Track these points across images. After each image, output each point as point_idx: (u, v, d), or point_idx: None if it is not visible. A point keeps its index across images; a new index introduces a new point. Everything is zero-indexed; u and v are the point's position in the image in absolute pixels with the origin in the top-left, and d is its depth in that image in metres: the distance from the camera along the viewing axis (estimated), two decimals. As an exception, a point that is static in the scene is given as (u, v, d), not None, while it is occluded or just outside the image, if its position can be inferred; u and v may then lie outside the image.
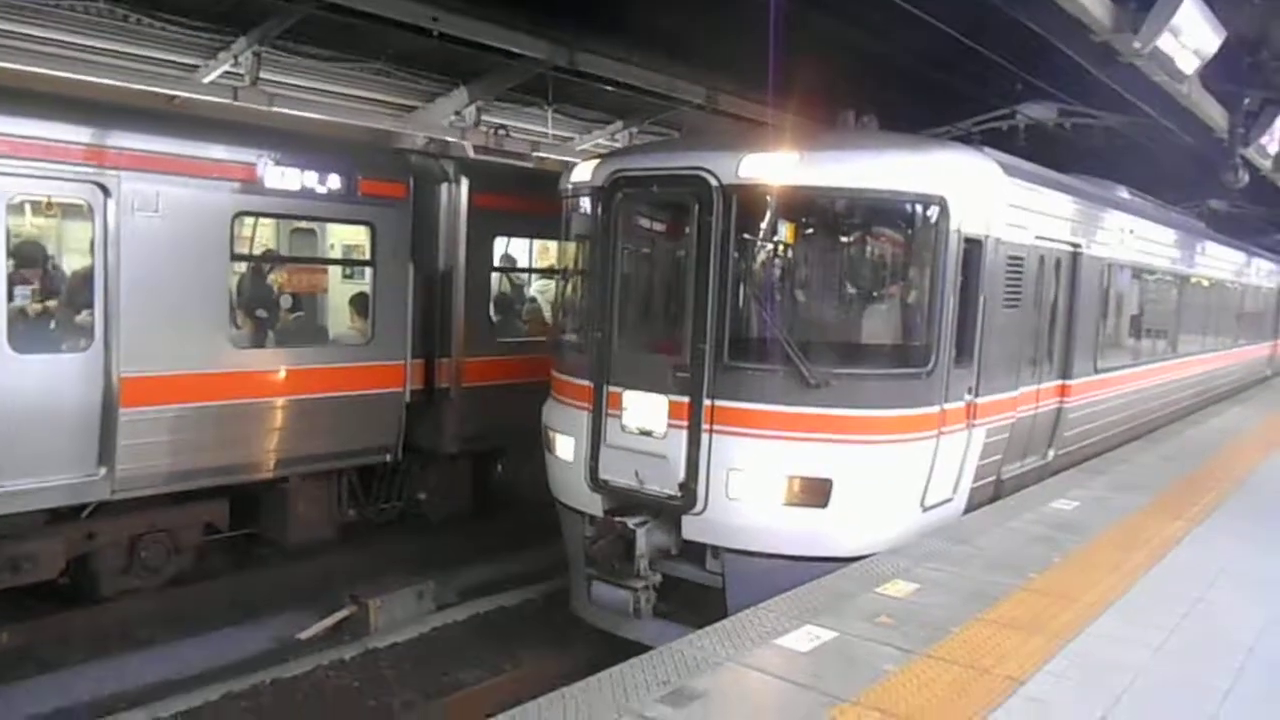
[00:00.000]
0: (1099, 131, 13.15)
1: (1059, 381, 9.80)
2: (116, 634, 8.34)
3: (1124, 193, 12.79)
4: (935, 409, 7.26)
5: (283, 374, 8.98)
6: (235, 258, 8.84)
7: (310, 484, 9.64)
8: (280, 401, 8.99)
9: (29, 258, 7.75)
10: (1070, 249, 9.80)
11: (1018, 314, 8.56)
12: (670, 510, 7.22)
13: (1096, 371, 10.73)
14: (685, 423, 7.07)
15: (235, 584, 9.41)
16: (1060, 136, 12.62)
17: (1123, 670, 5.11)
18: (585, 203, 7.99)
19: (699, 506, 7.03)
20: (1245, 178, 12.58)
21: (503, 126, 12.71)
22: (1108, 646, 5.39)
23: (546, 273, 12.33)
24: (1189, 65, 8.91)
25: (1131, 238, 11.66)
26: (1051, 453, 9.87)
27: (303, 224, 10.39)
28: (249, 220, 9.37)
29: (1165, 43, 8.30)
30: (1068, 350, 9.88)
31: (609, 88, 12.42)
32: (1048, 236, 9.10)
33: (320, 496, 9.82)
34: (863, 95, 8.69)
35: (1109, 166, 13.28)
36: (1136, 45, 8.16)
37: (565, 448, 7.81)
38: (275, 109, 10.42)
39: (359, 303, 10.02)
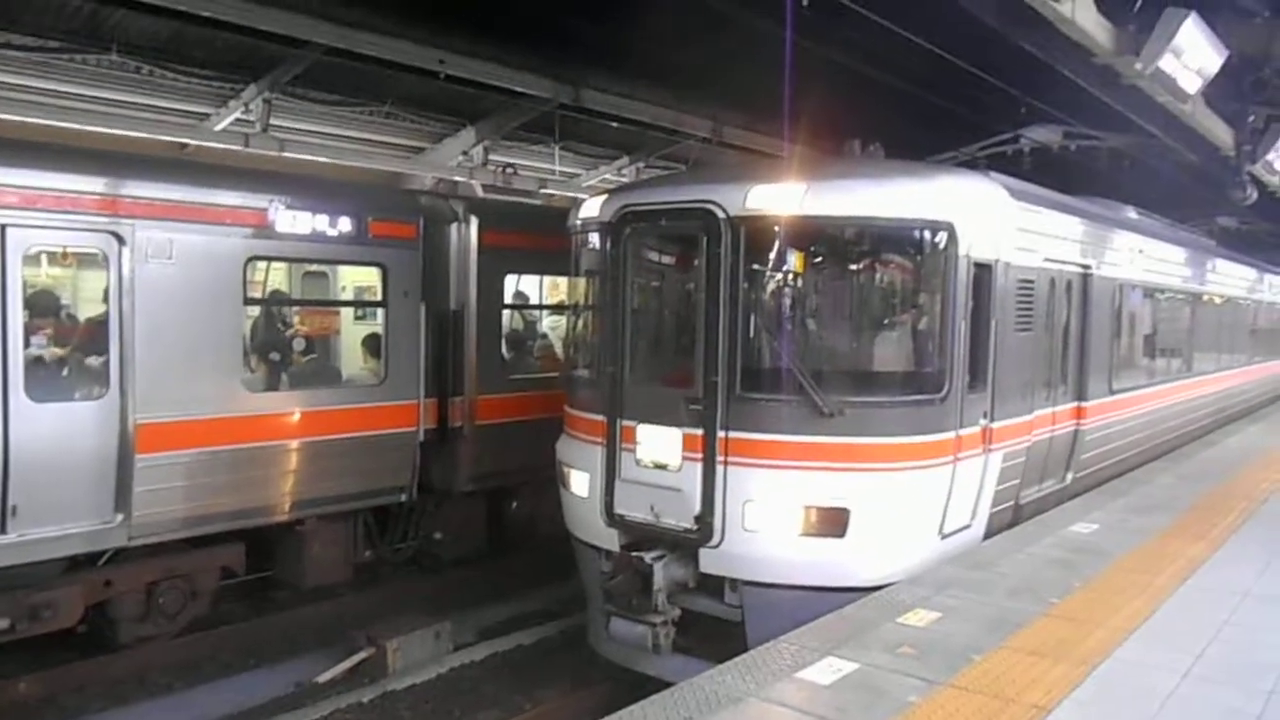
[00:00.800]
0: (1104, 152, 13.20)
1: (1075, 403, 9.77)
2: (134, 681, 8.32)
3: (1132, 213, 12.80)
4: (951, 435, 7.24)
5: (297, 416, 9.01)
6: (249, 302, 8.91)
7: (325, 526, 9.64)
8: (295, 444, 9.01)
9: (45, 307, 7.84)
10: (1081, 270, 9.80)
11: (1030, 337, 8.56)
12: (687, 544, 7.19)
13: (1112, 392, 10.68)
14: (700, 455, 7.07)
15: (252, 628, 9.39)
16: (1065, 159, 12.67)
17: (1150, 696, 5.05)
18: (594, 238, 8.05)
19: (716, 539, 7.00)
20: (1254, 194, 12.59)
21: (510, 165, 12.82)
22: (1134, 672, 5.33)
23: (557, 309, 12.38)
24: (1192, 85, 8.95)
25: (1142, 257, 11.66)
26: (1069, 475, 9.81)
27: (314, 267, 10.48)
28: (261, 264, 9.46)
29: (1167, 63, 8.35)
30: (1082, 372, 9.85)
31: (615, 124, 12.54)
32: (1058, 259, 9.11)
33: (336, 538, 9.81)
34: (868, 124, 8.76)
35: (1115, 187, 13.32)
36: (1138, 67, 8.22)
37: (580, 483, 7.80)
38: (286, 154, 10.55)
39: (371, 343, 10.07)
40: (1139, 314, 12.05)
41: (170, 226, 8.04)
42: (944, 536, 7.38)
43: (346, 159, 11.40)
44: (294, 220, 8.89)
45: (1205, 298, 15.31)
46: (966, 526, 7.68)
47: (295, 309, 10.28)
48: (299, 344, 9.66)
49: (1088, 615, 6.17)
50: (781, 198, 6.92)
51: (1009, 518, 8.51)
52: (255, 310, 9.60)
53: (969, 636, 5.77)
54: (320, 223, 9.11)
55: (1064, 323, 9.52)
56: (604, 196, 7.98)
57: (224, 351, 8.46)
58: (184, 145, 10.24)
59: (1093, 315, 9.98)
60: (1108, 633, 5.89)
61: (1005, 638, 5.77)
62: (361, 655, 8.57)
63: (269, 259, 9.40)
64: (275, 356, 9.41)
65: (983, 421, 7.66)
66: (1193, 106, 9.84)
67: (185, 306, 8.12)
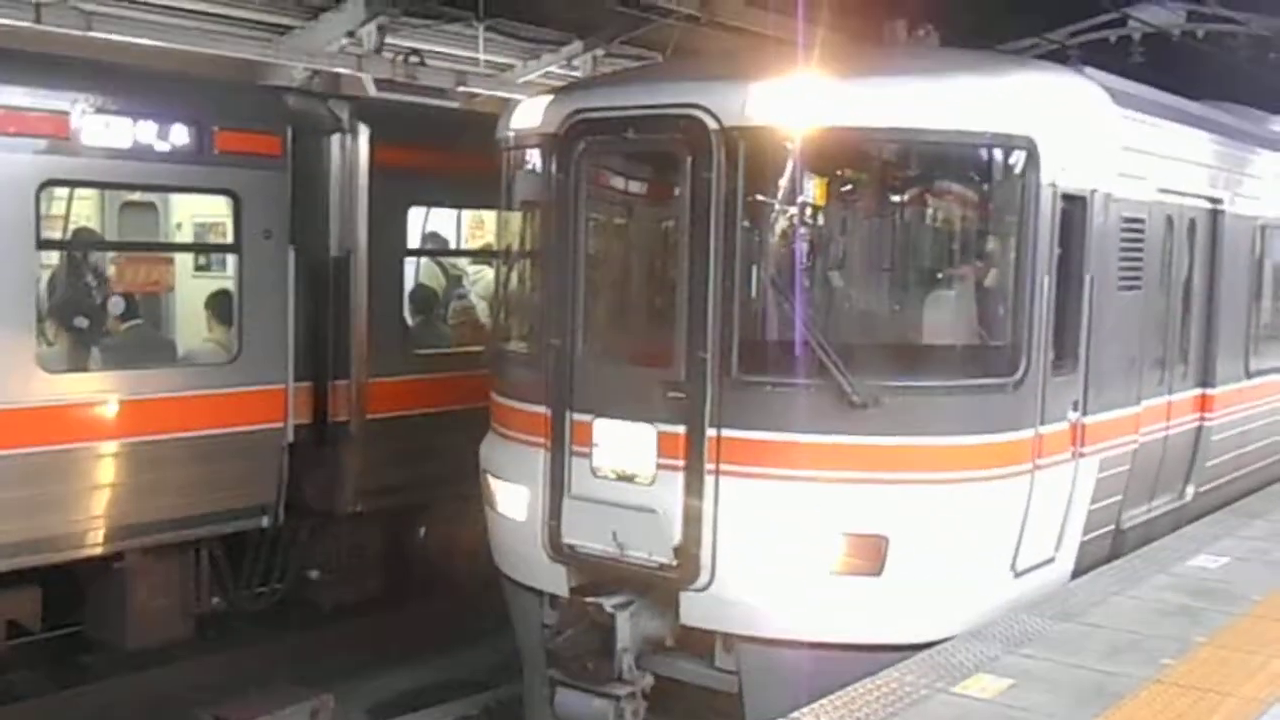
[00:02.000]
0: (1243, 41, 13.29)
1: (1198, 391, 9.87)
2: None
3: (1281, 126, 12.93)
4: (1028, 434, 7.28)
5: (113, 407, 8.91)
6: (44, 245, 8.77)
7: (155, 562, 9.55)
8: (110, 446, 8.92)
9: None
10: (1209, 206, 9.88)
11: (1138, 299, 8.62)
12: (663, 586, 7.20)
13: (1249, 376, 10.81)
14: (681, 462, 7.07)
15: (53, 706, 9.31)
16: (1190, 50, 12.75)
17: (1297, 792, 5.14)
18: (533, 157, 7.99)
19: (703, 579, 7.01)
20: None
21: (415, 52, 12.69)
22: (1275, 759, 5.42)
23: (483, 256, 12.31)
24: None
25: (1294, 188, 11.78)
26: (1190, 490, 9.92)
27: (137, 196, 10.33)
28: (61, 192, 9.30)
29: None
30: (1208, 347, 9.96)
31: (564, -6, 12.47)
32: (1177, 189, 9.17)
33: (169, 580, 9.73)
34: (918, 0, 8.75)
35: (1259, 90, 13.41)
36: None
37: (513, 502, 7.79)
38: (94, 33, 10.37)
39: (218, 304, 9.97)
40: (1289, 266, 12.19)
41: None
42: (1018, 574, 7.44)
43: (181, 41, 11.23)
44: (107, 129, 8.75)
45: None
46: (1049, 561, 7.74)
47: (110, 255, 10.14)
48: (116, 305, 9.55)
49: (1214, 682, 6.25)
50: (795, 101, 6.89)
51: (1107, 548, 8.59)
52: (54, 257, 9.43)
53: (1051, 712, 5.81)
54: (145, 132, 8.98)
55: (1185, 278, 9.60)
56: (548, 98, 7.93)
57: (7, 315, 8.33)
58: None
59: (1225, 268, 10.07)
60: (1241, 705, 5.97)
61: (1101, 714, 5.82)
62: (207, 743, 8.56)
63: (72, 183, 9.25)
64: (82, 323, 9.29)
65: (1072, 415, 7.71)
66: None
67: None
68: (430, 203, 11.56)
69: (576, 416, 7.45)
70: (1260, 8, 11.89)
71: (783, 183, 7.18)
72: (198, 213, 10.67)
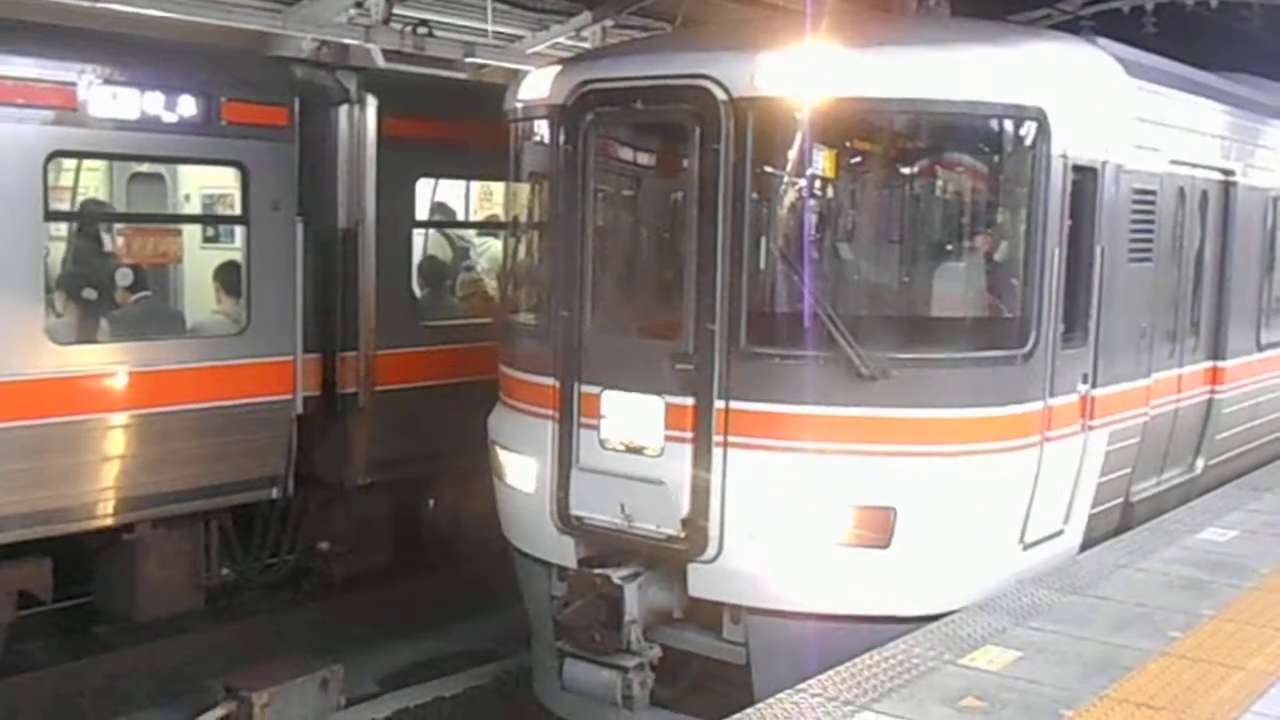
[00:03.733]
0: (1257, 11, 13.19)
1: (1209, 364, 9.85)
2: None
3: (1296, 97, 12.84)
4: (1037, 406, 7.27)
5: (122, 379, 8.94)
6: (52, 216, 8.79)
7: (165, 534, 9.61)
8: (119, 418, 8.95)
9: None
10: (1221, 177, 9.83)
11: (1149, 271, 8.59)
12: (671, 557, 7.22)
13: (1260, 348, 10.78)
14: (689, 434, 7.07)
15: (63, 676, 9.36)
16: (1203, 19, 12.66)
17: (1304, 764, 5.14)
18: (542, 128, 7.97)
19: (711, 551, 7.03)
20: None
21: (424, 22, 12.64)
22: (1283, 731, 5.42)
23: (492, 228, 12.29)
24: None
25: (1307, 160, 11.72)
26: (1200, 463, 9.92)
27: (146, 167, 10.32)
28: (69, 164, 9.32)
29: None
30: (1220, 320, 9.93)
31: (573, -37, 12.40)
32: (1190, 161, 9.13)
33: (180, 551, 9.78)
34: (928, -32, 8.71)
35: (1273, 60, 13.31)
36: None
37: (522, 473, 7.80)
38: (101, 4, 10.34)
39: (227, 276, 9.99)
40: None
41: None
42: (1026, 547, 7.45)
43: (189, 11, 11.17)
44: (115, 100, 8.75)
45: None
46: (1058, 533, 7.74)
47: (119, 227, 10.15)
48: (124, 277, 9.54)
49: (1222, 655, 6.25)
50: (805, 71, 6.86)
51: (1116, 521, 8.59)
52: (62, 229, 9.46)
53: (1059, 684, 5.82)
54: (153, 103, 8.98)
55: (1196, 251, 9.56)
56: (556, 69, 7.90)
57: (16, 286, 8.34)
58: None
59: (1237, 240, 10.03)
60: (1249, 678, 5.97)
61: (1108, 686, 5.82)
62: (219, 713, 8.57)
63: (80, 155, 9.27)
64: (91, 294, 9.31)
65: (1082, 388, 7.69)
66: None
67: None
68: (438, 174, 11.55)
69: (585, 388, 7.45)
70: (1275, -23, 11.84)
71: (792, 154, 7.15)
72: (206, 184, 10.67)
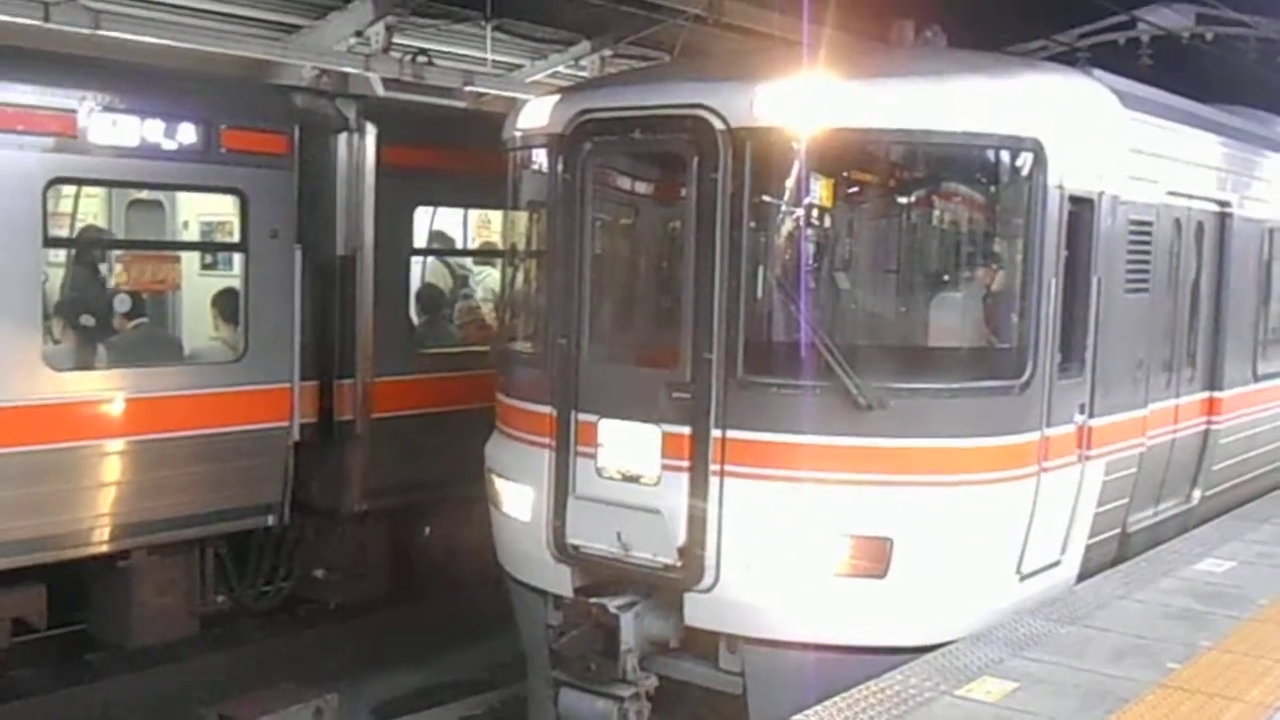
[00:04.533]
0: (1252, 44, 13.27)
1: (1205, 394, 9.86)
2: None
3: (1290, 129, 12.90)
4: (1034, 436, 7.27)
5: (119, 405, 8.93)
6: (51, 243, 8.80)
7: (161, 561, 9.59)
8: (116, 445, 8.94)
9: None
10: (1217, 209, 9.86)
11: (1146, 301, 8.61)
12: (667, 586, 7.21)
13: (1257, 379, 10.79)
14: (686, 463, 7.07)
15: (57, 703, 9.31)
16: (1199, 52, 12.74)
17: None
18: (540, 156, 8.00)
19: (707, 580, 7.01)
20: None
21: (423, 51, 12.70)
22: (1281, 765, 5.41)
23: (490, 256, 12.32)
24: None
25: (1302, 191, 11.76)
26: (1197, 493, 9.91)
27: (145, 194, 10.35)
28: (69, 190, 9.33)
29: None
30: (1217, 350, 9.94)
31: (571, -7, 12.47)
32: (1186, 192, 9.16)
33: (175, 578, 9.77)
34: (926, 1, 8.74)
35: (1267, 93, 13.39)
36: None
37: (518, 502, 7.79)
38: (102, 31, 10.39)
39: (225, 303, 9.99)
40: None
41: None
42: (1023, 577, 7.43)
43: (189, 40, 11.24)
44: (115, 127, 8.77)
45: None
46: (1055, 564, 7.74)
47: (117, 253, 10.16)
48: (122, 303, 9.56)
49: (1220, 686, 6.23)
50: (803, 101, 6.89)
51: (1113, 551, 8.58)
52: (60, 255, 9.46)
53: (1056, 715, 5.80)
54: (152, 131, 9.00)
55: (1193, 281, 9.58)
56: (555, 98, 7.93)
57: (14, 312, 8.35)
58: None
59: (1232, 271, 10.06)
60: (1246, 710, 5.95)
61: (1106, 717, 5.80)
62: (211, 741, 8.56)
63: (80, 182, 9.29)
64: (89, 321, 9.33)
65: (1079, 418, 7.70)
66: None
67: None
68: (437, 202, 11.57)
69: (582, 416, 7.45)
70: (1268, 10, 11.89)
71: (789, 184, 7.17)
72: (204, 211, 10.70)
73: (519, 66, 14.43)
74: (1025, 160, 7.18)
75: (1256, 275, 10.78)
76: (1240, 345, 10.39)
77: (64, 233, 9.52)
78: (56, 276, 9.49)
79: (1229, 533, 9.52)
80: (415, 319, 11.30)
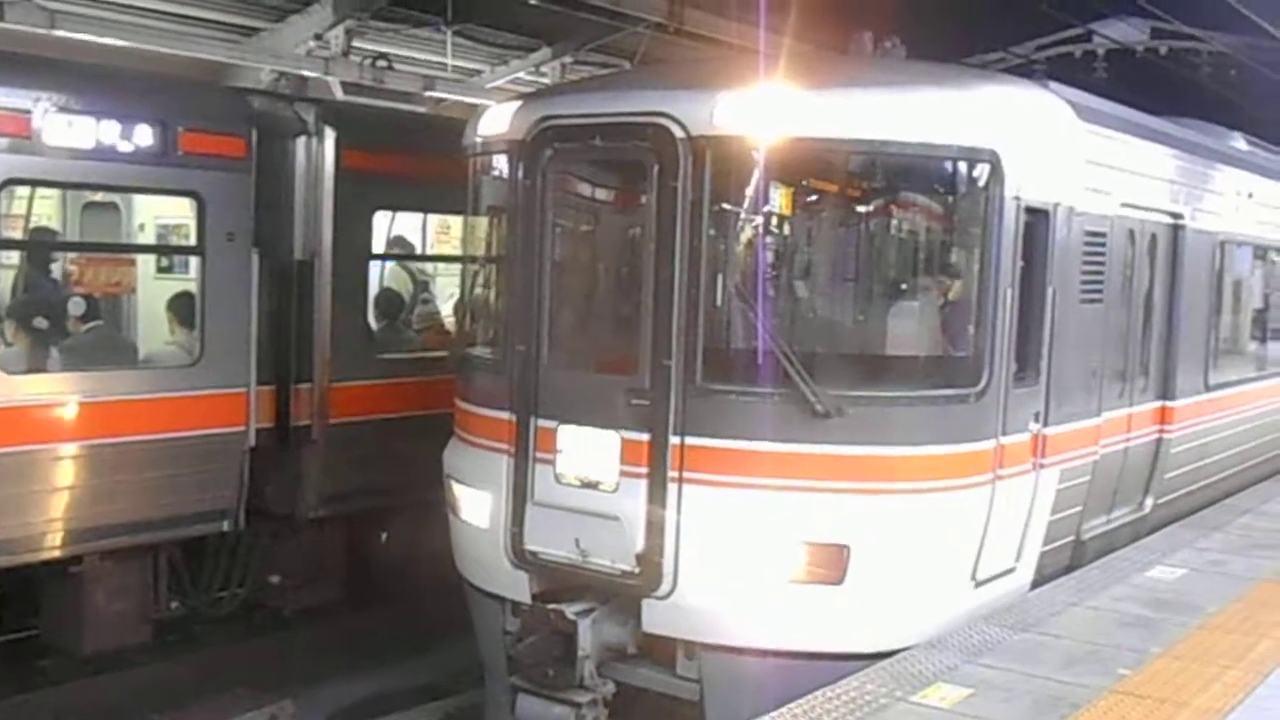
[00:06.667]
0: (1206, 59, 13.44)
1: (1158, 403, 9.97)
2: None
3: (1240, 142, 13.06)
4: (989, 444, 7.35)
5: (72, 409, 8.84)
6: (3, 245, 8.83)
7: (113, 566, 9.48)
8: (69, 449, 8.85)
9: None
10: (1170, 221, 9.99)
11: (1100, 311, 8.71)
12: (626, 593, 7.22)
13: (1208, 389, 10.92)
14: (645, 469, 7.09)
15: (9, 710, 9.18)
16: (1152, 66, 12.90)
17: (1249, 801, 5.19)
18: (500, 163, 8.00)
19: (665, 587, 7.03)
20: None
21: (383, 56, 12.66)
22: (1229, 769, 5.48)
23: (449, 261, 12.29)
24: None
25: (1252, 204, 11.91)
26: (1149, 501, 10.02)
27: (100, 196, 10.26)
28: (22, 191, 9.22)
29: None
30: (1169, 360, 10.06)
31: (532, 1, 12.44)
32: (1139, 204, 9.27)
33: (128, 583, 9.66)
34: (885, 13, 8.82)
35: (1219, 106, 13.56)
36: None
37: (476, 508, 7.78)
38: (58, 32, 10.30)
39: (181, 306, 9.91)
40: (1247, 281, 12.31)
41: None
42: (978, 584, 7.50)
43: (147, 41, 11.16)
44: (71, 129, 8.68)
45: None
46: (1009, 571, 7.81)
47: (71, 256, 10.07)
48: (76, 306, 9.46)
49: (1169, 692, 6.31)
50: (762, 110, 6.94)
51: (1067, 559, 8.67)
52: (13, 257, 9.34)
53: (1009, 721, 5.87)
54: (108, 132, 8.91)
55: (1146, 292, 9.70)
56: (515, 105, 7.94)
57: (-34, 316, 8.29)
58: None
59: (1185, 282, 10.18)
60: (1195, 715, 6.03)
61: (1058, 722, 5.89)
62: (164, 748, 8.51)
63: (34, 183, 9.17)
64: (42, 323, 9.20)
65: (1033, 427, 7.78)
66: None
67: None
68: (396, 207, 11.53)
69: (541, 422, 7.46)
70: (1222, 25, 12.05)
71: (749, 192, 7.22)
72: (161, 214, 10.59)
73: (479, 72, 14.43)
74: (982, 171, 7.26)
75: (1208, 286, 10.91)
76: (1192, 355, 10.52)
77: (17, 234, 9.42)
78: (9, 278, 9.38)
79: (1180, 541, 9.64)
80: (374, 324, 11.25)
